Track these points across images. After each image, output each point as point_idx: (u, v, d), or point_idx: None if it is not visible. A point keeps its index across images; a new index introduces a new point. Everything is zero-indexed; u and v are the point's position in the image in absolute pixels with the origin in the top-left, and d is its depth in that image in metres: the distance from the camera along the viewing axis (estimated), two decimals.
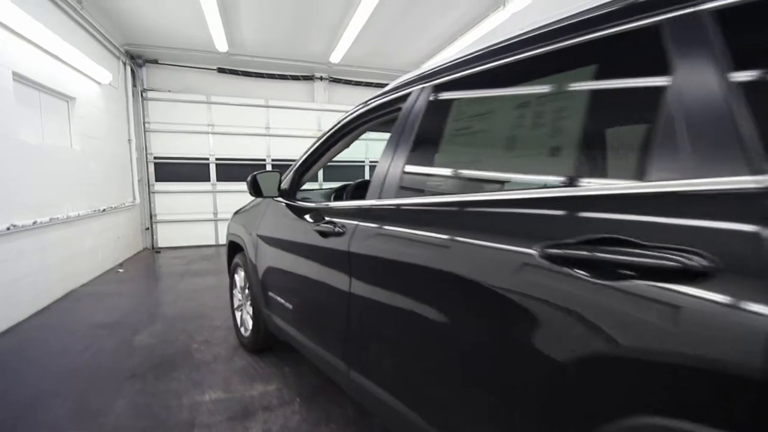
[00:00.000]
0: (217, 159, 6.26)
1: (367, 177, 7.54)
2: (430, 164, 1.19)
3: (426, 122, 1.19)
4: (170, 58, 5.96)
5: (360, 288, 1.23)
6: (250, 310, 2.35)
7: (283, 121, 6.55)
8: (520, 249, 0.76)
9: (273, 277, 1.95)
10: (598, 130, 0.79)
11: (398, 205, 1.15)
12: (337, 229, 1.35)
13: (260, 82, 6.54)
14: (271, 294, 1.96)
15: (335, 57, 5.86)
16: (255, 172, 1.81)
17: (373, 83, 6.99)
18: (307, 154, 1.87)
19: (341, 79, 6.91)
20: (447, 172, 1.15)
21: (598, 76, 0.78)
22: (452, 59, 1.16)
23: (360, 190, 2.27)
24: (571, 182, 0.79)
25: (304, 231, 1.62)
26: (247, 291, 2.39)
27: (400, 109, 1.36)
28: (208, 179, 6.26)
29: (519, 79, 0.95)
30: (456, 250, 0.91)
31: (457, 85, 1.11)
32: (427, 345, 0.99)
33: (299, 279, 1.69)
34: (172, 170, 6.09)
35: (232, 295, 2.68)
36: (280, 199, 1.93)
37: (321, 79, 6.75)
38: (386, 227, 1.14)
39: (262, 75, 6.48)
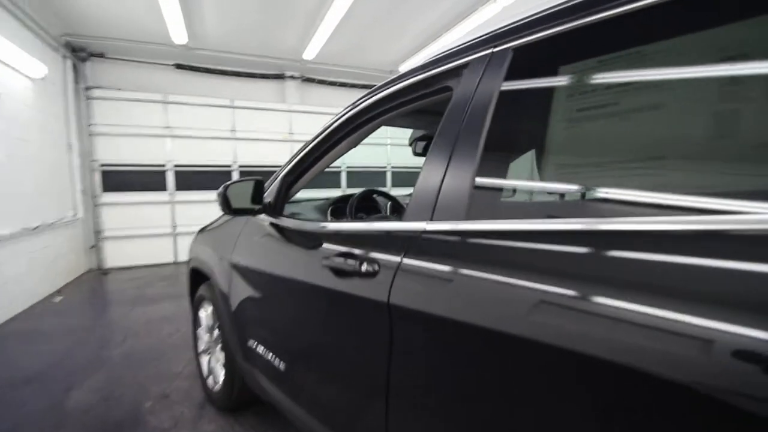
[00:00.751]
0: (175, 166, 5.57)
1: (389, 185, 7.06)
2: (529, 172, 0.76)
3: (510, 107, 0.77)
4: (119, 52, 5.25)
5: (411, 366, 0.79)
6: (221, 356, 1.83)
7: (250, 123, 5.96)
8: None
9: (255, 321, 1.45)
10: None
11: (483, 232, 0.72)
12: (364, 266, 0.89)
13: (225, 80, 5.93)
14: (252, 344, 1.46)
15: (309, 53, 5.38)
16: (228, 182, 1.31)
17: (348, 83, 6.54)
18: (298, 158, 1.40)
19: (315, 79, 6.41)
20: (575, 182, 0.71)
21: None
22: None
23: (365, 201, 1.82)
24: None
25: (304, 263, 1.16)
26: (216, 332, 1.87)
27: (447, 90, 0.93)
28: (165, 188, 5.55)
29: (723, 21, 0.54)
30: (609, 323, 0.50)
31: (575, 41, 0.69)
32: None
33: (296, 331, 1.21)
34: (122, 179, 5.34)
35: (195, 336, 2.13)
36: (263, 216, 1.44)
37: (293, 78, 6.23)
38: (464, 270, 0.70)
39: (226, 72, 5.88)
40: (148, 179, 5.45)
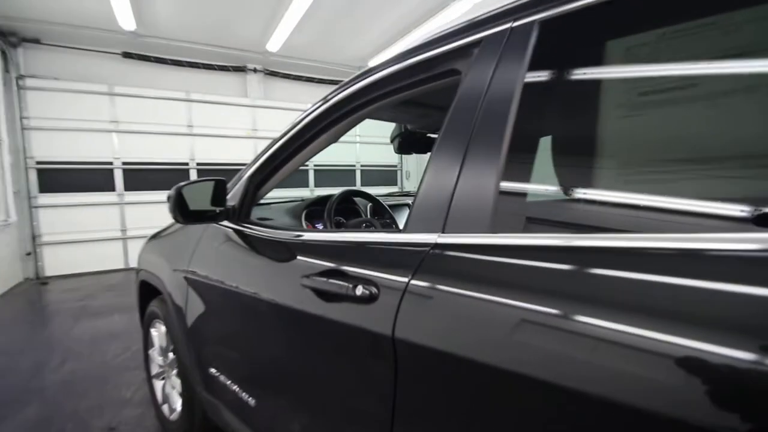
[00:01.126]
0: (124, 163, 5.10)
1: (358, 184, 6.79)
2: (575, 174, 0.62)
3: (540, 94, 0.62)
4: (57, 38, 4.72)
5: (424, 421, 0.62)
6: (177, 383, 1.59)
7: (209, 118, 5.57)
8: None
9: (217, 347, 1.24)
10: None
11: (520, 248, 0.56)
12: (359, 289, 0.71)
13: (179, 71, 5.50)
14: (214, 373, 1.24)
15: (273, 45, 5.08)
16: (183, 183, 1.08)
17: (316, 78, 6.27)
18: (267, 155, 1.19)
19: (279, 73, 6.10)
20: (646, 186, 0.55)
21: None
22: None
23: (344, 203, 1.63)
24: None
25: (277, 281, 0.96)
26: (171, 354, 1.62)
27: (454, 74, 0.77)
28: (113, 188, 5.07)
29: None
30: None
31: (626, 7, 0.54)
32: None
33: (269, 363, 1.02)
34: (62, 178, 4.81)
35: (147, 358, 1.86)
36: (226, 223, 1.23)
37: (255, 71, 5.89)
38: (501, 298, 0.54)
39: (181, 63, 5.45)
40: (92, 178, 4.95)
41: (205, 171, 5.49)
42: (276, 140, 1.19)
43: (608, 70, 0.58)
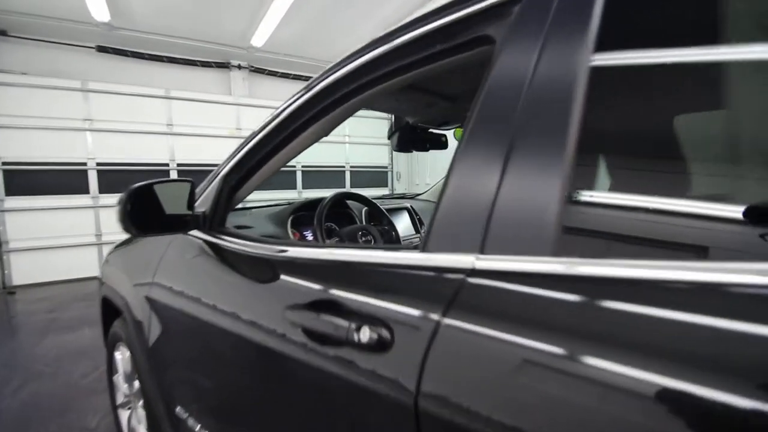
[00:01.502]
0: (99, 164, 4.79)
1: (348, 185, 6.55)
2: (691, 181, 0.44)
3: (621, 74, 0.45)
4: (26, 30, 4.41)
5: None
6: (143, 415, 1.37)
7: (191, 116, 5.29)
8: None
9: (185, 384, 1.03)
10: None
11: (610, 280, 0.38)
12: (365, 334, 0.51)
13: (158, 67, 5.22)
14: (181, 413, 1.03)
15: (258, 40, 4.84)
16: (137, 184, 0.87)
17: (303, 76, 6.05)
18: (245, 150, 0.99)
19: (265, 70, 5.85)
20: None
21: None
22: None
23: (336, 208, 1.43)
24: None
25: (256, 310, 0.76)
26: (136, 383, 1.40)
27: (485, 42, 0.58)
28: (86, 191, 4.76)
29: None
30: None
31: None
32: None
33: (244, 413, 0.81)
34: (31, 180, 4.49)
35: (111, 384, 1.64)
36: (196, 233, 1.02)
37: (239, 67, 5.64)
38: (583, 358, 0.35)
39: (160, 58, 5.17)
40: (65, 180, 4.64)
41: (186, 172, 5.22)
42: (256, 132, 0.98)
43: (737, 47, 0.40)
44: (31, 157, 4.47)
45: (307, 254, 0.73)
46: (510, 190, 0.46)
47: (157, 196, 0.90)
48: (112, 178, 4.87)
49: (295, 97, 0.90)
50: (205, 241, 0.99)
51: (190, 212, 0.96)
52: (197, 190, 1.06)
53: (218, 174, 1.04)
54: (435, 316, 0.46)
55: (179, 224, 0.95)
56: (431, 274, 0.50)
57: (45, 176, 4.56)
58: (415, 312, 0.49)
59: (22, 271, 4.54)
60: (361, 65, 0.77)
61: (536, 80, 0.47)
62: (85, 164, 4.73)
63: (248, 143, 0.98)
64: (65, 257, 4.72)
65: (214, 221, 1.01)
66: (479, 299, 0.45)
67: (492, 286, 0.44)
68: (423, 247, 0.53)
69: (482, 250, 0.46)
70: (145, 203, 0.87)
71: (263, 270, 0.81)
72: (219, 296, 0.87)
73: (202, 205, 1.03)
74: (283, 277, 0.74)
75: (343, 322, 0.54)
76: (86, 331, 3.07)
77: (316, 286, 0.65)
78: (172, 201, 0.95)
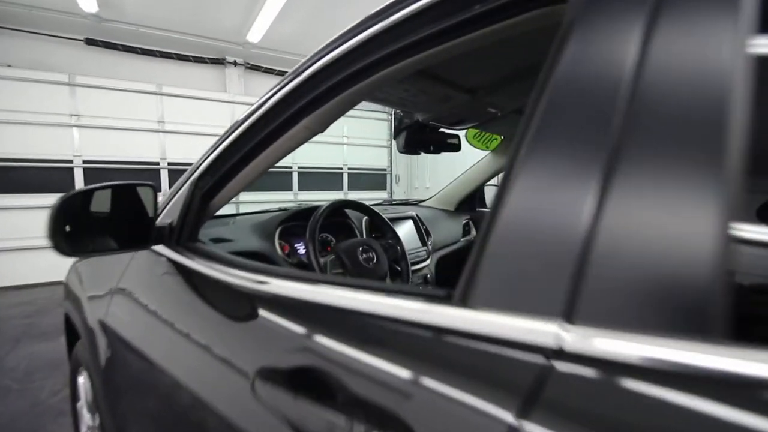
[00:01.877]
0: (85, 162, 4.59)
1: (346, 188, 6.36)
2: None
3: None
4: (10, 20, 4.22)
5: None
6: None
7: (183, 114, 5.09)
8: None
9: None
10: None
11: None
12: None
13: (150, 61, 5.02)
14: None
15: (254, 35, 4.66)
16: (76, 190, 0.69)
17: None
18: (223, 148, 0.80)
19: (261, 67, 5.67)
20: None
21: None
22: None
23: (333, 217, 1.25)
24: None
25: (223, 367, 0.57)
26: (98, 416, 1.21)
27: (549, 2, 0.39)
28: (72, 189, 4.55)
29: None
30: None
31: None
32: None
33: None
34: (14, 177, 4.28)
35: (75, 412, 1.44)
36: (160, 248, 0.83)
37: (235, 64, 5.45)
38: None
39: (152, 53, 4.98)
40: (49, 178, 4.44)
41: (178, 171, 5.02)
42: (235, 127, 0.80)
43: None
44: (13, 153, 4.27)
45: (294, 291, 0.54)
46: (619, 219, 0.28)
47: (105, 205, 0.71)
48: (99, 176, 4.65)
49: (282, 84, 0.72)
50: (169, 259, 0.80)
51: (150, 223, 0.78)
52: (164, 198, 0.87)
53: (188, 178, 0.85)
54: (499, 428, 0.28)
55: (135, 240, 0.76)
56: (480, 348, 0.32)
57: (28, 173, 4.36)
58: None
59: (2, 272, 4.33)
60: (365, 40, 0.59)
61: (652, 58, 0.29)
62: (71, 162, 4.53)
63: (225, 140, 0.80)
64: (48, 258, 4.49)
65: (183, 234, 0.83)
66: (568, 404, 0.26)
67: (591, 380, 0.26)
68: (461, 296, 0.35)
69: (569, 316, 0.28)
70: (87, 214, 0.68)
71: (235, 306, 0.62)
72: (177, 337, 0.68)
73: (169, 215, 0.85)
74: (260, 318, 0.56)
75: (339, 420, 0.35)
76: (62, 339, 2.86)
77: (302, 344, 0.46)
78: (129, 210, 0.77)
